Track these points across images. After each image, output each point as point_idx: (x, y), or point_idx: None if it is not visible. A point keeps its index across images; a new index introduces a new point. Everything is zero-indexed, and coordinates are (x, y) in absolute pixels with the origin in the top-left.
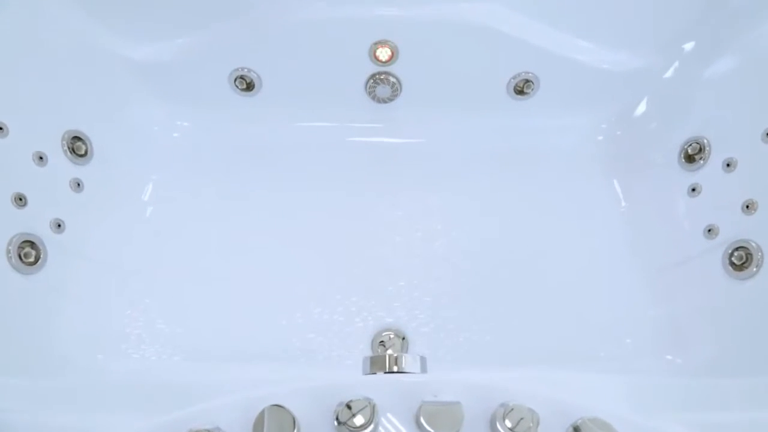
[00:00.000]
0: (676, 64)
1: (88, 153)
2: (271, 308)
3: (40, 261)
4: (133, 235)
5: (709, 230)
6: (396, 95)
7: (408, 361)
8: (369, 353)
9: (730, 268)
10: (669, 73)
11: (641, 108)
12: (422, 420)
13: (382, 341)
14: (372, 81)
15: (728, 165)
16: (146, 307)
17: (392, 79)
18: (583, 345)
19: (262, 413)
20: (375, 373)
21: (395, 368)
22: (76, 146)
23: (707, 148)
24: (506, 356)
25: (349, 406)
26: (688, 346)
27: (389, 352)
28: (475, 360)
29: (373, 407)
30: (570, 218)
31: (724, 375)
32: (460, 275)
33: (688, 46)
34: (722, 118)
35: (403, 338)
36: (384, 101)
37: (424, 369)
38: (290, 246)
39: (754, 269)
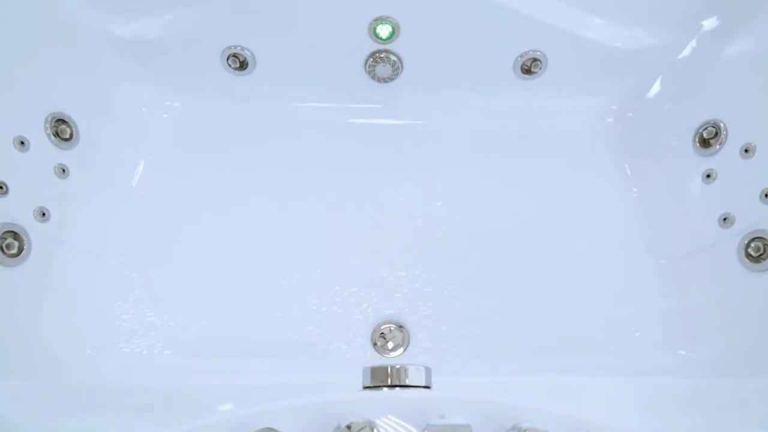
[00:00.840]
0: (693, 42)
1: (74, 137)
2: (267, 300)
3: (23, 252)
4: (122, 223)
5: (725, 219)
6: (397, 74)
7: (411, 374)
8: (369, 346)
9: (747, 259)
10: (685, 52)
11: (654, 89)
12: None
13: (382, 333)
14: (372, 59)
15: (746, 150)
16: (137, 299)
17: (393, 58)
18: (591, 339)
19: None
20: (376, 386)
21: (398, 381)
22: (61, 129)
23: (724, 132)
24: (511, 350)
25: (348, 427)
26: (701, 341)
27: (389, 344)
28: (478, 354)
29: (373, 430)
30: (578, 205)
31: (740, 373)
32: (463, 265)
33: (707, 23)
34: (741, 100)
35: (401, 327)
36: (384, 81)
37: (428, 382)
38: (286, 234)
39: None
